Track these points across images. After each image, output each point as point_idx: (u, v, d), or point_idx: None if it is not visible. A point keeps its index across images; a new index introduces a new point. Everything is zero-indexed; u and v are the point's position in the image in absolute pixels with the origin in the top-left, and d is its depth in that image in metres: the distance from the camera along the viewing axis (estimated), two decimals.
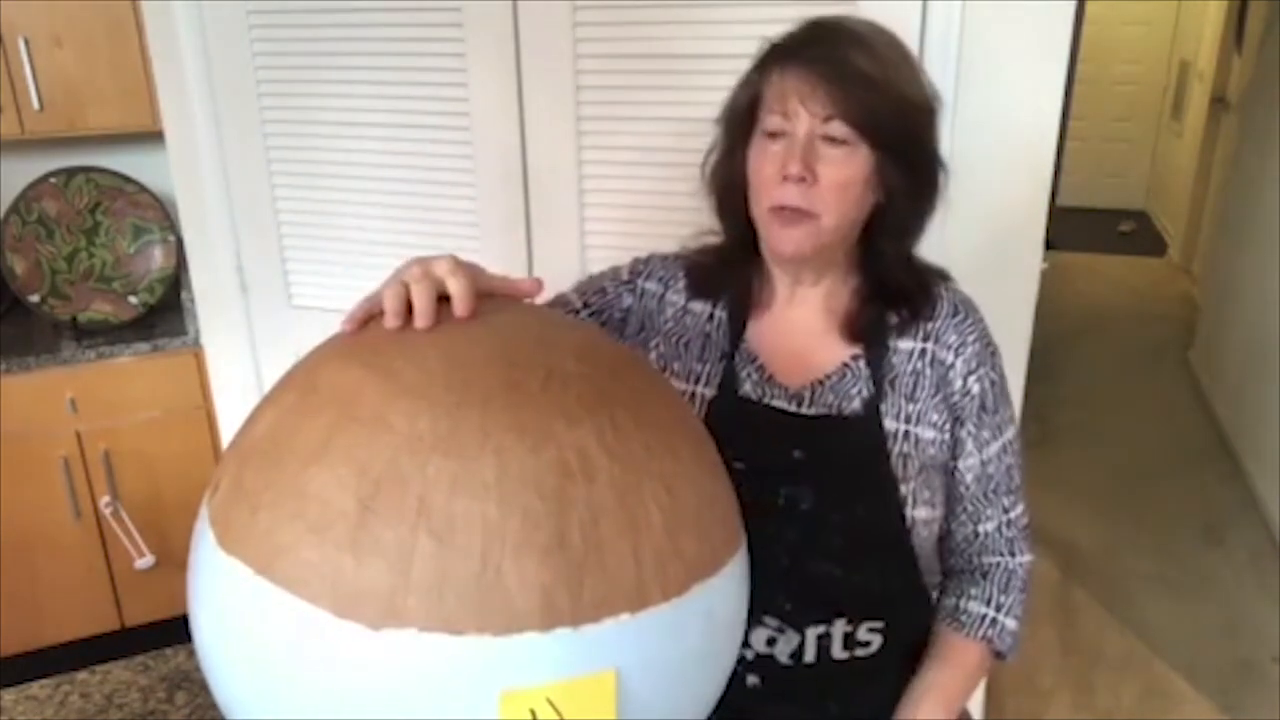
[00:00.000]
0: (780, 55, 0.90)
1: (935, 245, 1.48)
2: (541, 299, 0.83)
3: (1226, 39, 4.72)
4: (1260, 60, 3.75)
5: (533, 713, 0.52)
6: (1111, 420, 3.78)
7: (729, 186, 0.95)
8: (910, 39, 1.42)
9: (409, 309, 0.64)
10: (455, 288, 0.65)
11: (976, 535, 1.00)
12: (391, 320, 0.64)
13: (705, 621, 0.60)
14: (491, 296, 0.69)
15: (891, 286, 0.95)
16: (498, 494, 0.53)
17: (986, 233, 1.51)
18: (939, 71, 1.44)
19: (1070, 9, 1.40)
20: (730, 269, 0.99)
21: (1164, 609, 2.68)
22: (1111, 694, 2.36)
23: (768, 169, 0.89)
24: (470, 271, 0.67)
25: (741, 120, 0.93)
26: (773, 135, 0.89)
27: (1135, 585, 2.78)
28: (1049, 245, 1.56)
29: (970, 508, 0.99)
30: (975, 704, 1.81)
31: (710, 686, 0.65)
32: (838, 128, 0.86)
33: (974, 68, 1.44)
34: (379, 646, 0.52)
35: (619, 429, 0.58)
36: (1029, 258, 1.53)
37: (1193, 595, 2.74)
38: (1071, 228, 5.64)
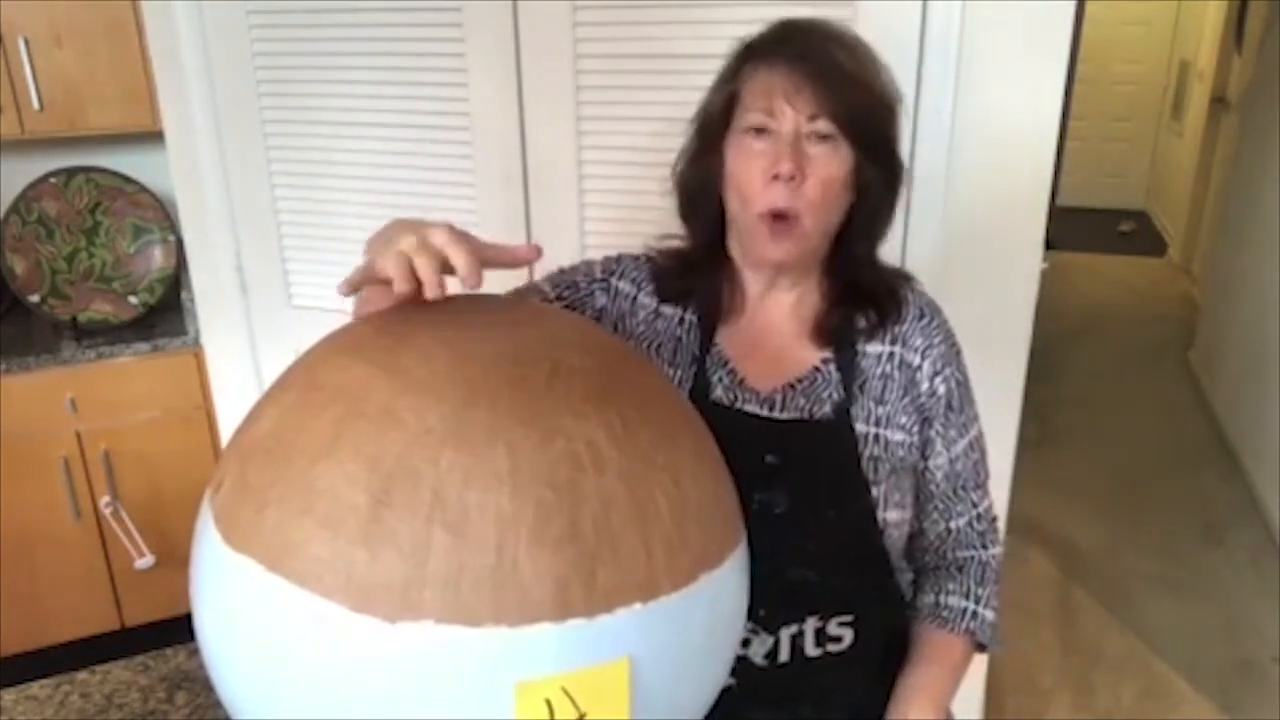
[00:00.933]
0: (760, 54, 0.89)
1: (934, 245, 1.50)
2: (540, 267, 0.81)
3: (1226, 39, 4.72)
4: (1260, 60, 3.76)
5: (548, 703, 0.52)
6: (1111, 420, 3.78)
7: (702, 189, 0.94)
8: (910, 39, 1.43)
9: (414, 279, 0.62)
10: (459, 259, 0.63)
11: (949, 532, 1.01)
12: (402, 285, 0.62)
13: (710, 612, 0.61)
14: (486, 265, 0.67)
15: (860, 288, 0.95)
16: (510, 486, 0.53)
17: (986, 233, 1.51)
18: (939, 71, 1.44)
19: (1070, 9, 1.40)
20: (697, 273, 0.98)
21: (1164, 609, 2.68)
22: (1111, 694, 2.36)
23: (754, 169, 0.87)
24: (468, 242, 0.65)
25: (717, 122, 0.92)
26: (756, 132, 0.88)
27: (1135, 585, 2.78)
28: (1049, 245, 1.56)
29: (941, 505, 1.00)
30: (975, 704, 1.81)
31: (711, 683, 0.65)
32: (823, 125, 0.86)
33: (974, 68, 1.44)
34: (395, 640, 0.52)
35: (626, 423, 0.59)
36: (1029, 258, 1.53)
37: (1193, 595, 2.74)
38: (1071, 228, 5.64)
